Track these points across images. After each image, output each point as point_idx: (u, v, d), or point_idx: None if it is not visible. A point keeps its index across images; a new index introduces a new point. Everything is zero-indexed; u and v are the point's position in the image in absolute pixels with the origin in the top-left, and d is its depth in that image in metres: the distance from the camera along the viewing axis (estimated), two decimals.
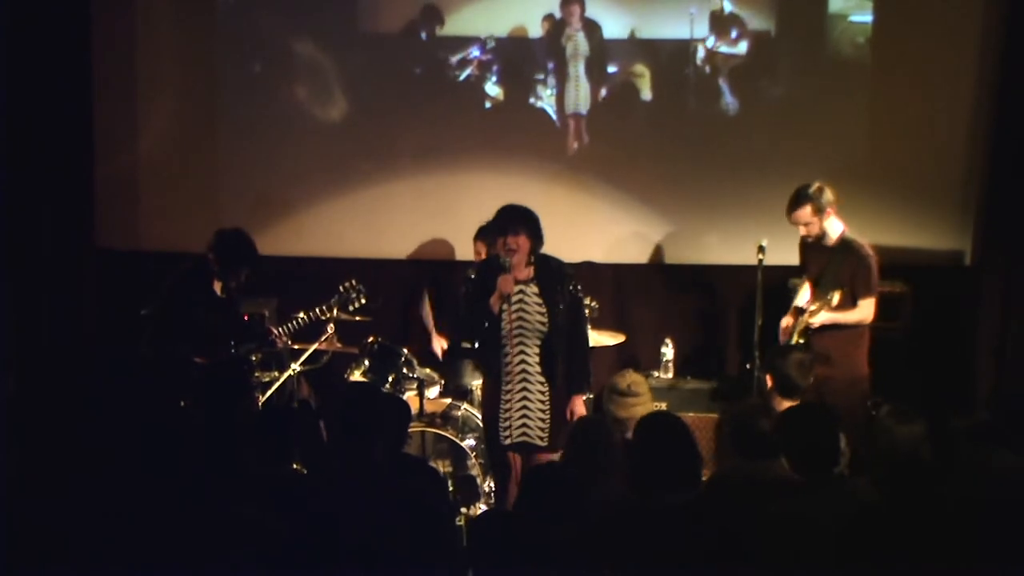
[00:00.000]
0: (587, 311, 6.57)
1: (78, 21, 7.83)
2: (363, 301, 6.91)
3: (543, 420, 6.04)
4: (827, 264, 6.55)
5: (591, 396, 6.57)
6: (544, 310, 6.02)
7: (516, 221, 6.01)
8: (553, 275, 6.08)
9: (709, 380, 7.61)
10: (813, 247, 6.65)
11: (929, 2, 7.73)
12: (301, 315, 6.77)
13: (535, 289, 6.04)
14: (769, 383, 5.95)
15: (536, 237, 6.03)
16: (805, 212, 6.48)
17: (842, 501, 4.31)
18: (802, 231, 6.56)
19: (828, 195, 6.48)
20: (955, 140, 7.73)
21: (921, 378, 6.96)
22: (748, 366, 6.85)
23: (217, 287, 6.68)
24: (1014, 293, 7.52)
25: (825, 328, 6.47)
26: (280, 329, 6.75)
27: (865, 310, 6.48)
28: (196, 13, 8.09)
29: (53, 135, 7.77)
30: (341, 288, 6.91)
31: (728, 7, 7.82)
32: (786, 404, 5.56)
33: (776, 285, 7.27)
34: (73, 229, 7.94)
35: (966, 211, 7.76)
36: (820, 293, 6.51)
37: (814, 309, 6.44)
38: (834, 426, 4.66)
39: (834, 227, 6.54)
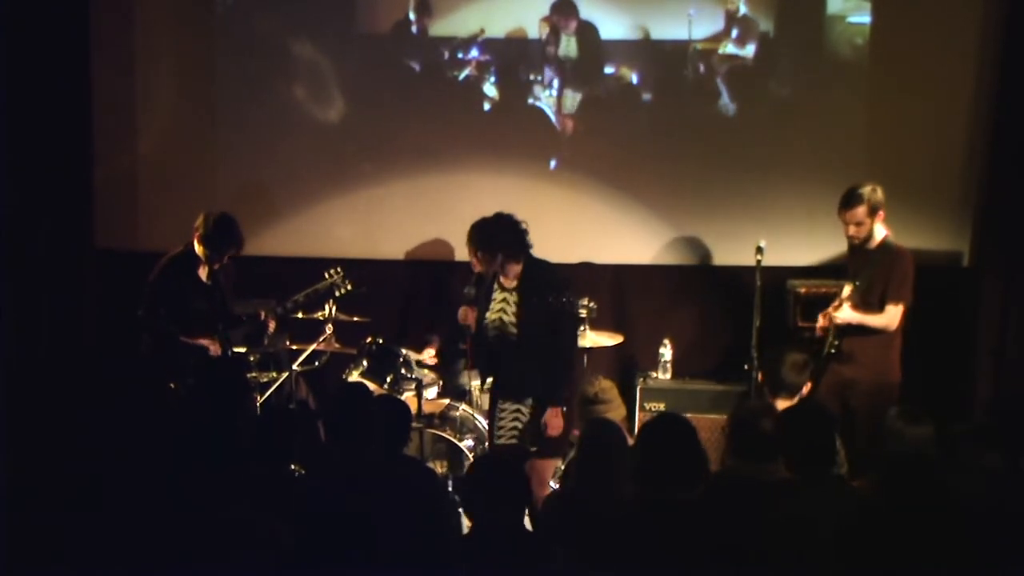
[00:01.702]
0: (578, 316, 6.51)
1: (77, 22, 7.83)
2: (349, 288, 6.93)
3: (533, 425, 6.12)
4: (865, 267, 6.48)
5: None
6: (515, 320, 6.07)
7: (470, 239, 6.15)
8: (536, 284, 6.10)
9: (707, 381, 7.62)
10: (857, 250, 6.58)
11: (927, 3, 7.72)
12: (289, 303, 6.82)
13: (516, 298, 6.09)
14: (761, 380, 5.95)
15: (488, 251, 6.09)
16: (860, 211, 6.41)
17: (841, 502, 4.32)
18: (851, 231, 6.48)
19: (880, 196, 6.44)
20: (953, 141, 7.72)
21: (919, 379, 6.95)
22: (746, 367, 6.86)
23: (202, 273, 6.74)
24: (1013, 294, 7.51)
25: (854, 330, 6.42)
26: (269, 313, 6.78)
27: (891, 315, 6.40)
28: (194, 14, 8.09)
29: (52, 136, 7.76)
30: (326, 275, 6.94)
31: (743, 9, 7.83)
32: (778, 403, 5.57)
33: (774, 286, 7.27)
34: (72, 229, 7.94)
35: (964, 212, 7.76)
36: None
37: (836, 303, 6.41)
38: (829, 425, 4.66)
39: (879, 230, 6.50)
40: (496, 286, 6.19)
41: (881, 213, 6.46)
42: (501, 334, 6.15)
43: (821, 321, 6.62)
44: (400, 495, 4.61)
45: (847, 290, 6.46)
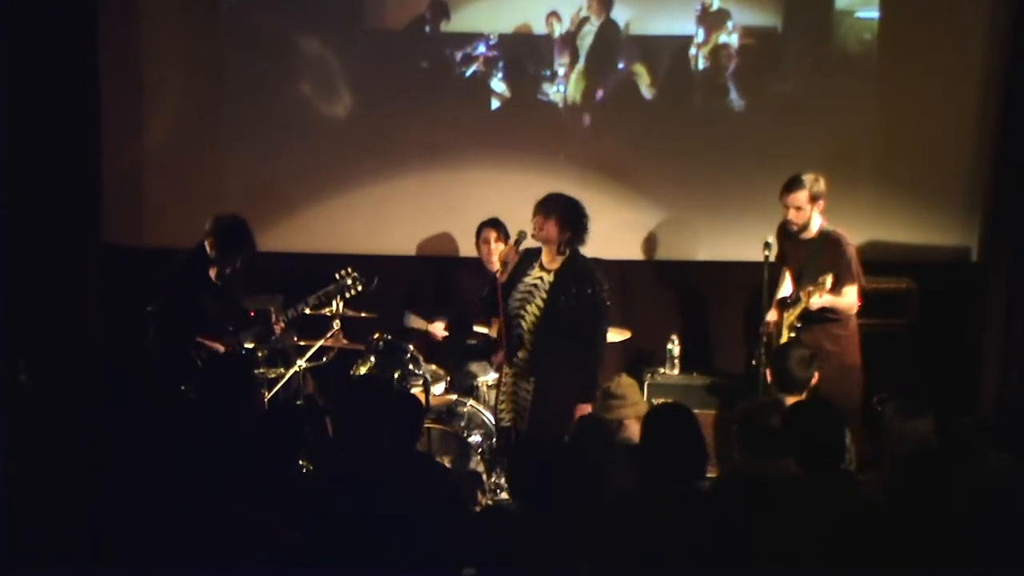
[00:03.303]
0: (608, 312, 6.44)
1: (83, 19, 7.82)
2: (359, 288, 6.93)
3: (525, 409, 6.19)
4: (808, 256, 6.60)
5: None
6: (546, 295, 6.10)
7: (549, 205, 6.15)
8: (575, 273, 6.14)
9: (715, 376, 7.61)
10: (792, 239, 6.70)
11: None
12: (300, 306, 6.80)
13: (551, 279, 6.12)
14: (769, 379, 5.94)
15: (567, 227, 6.14)
16: (800, 196, 6.56)
17: (849, 499, 4.30)
18: (791, 215, 6.61)
19: (822, 186, 6.57)
20: (962, 136, 7.71)
21: (926, 375, 6.95)
22: (754, 362, 6.86)
23: (212, 274, 6.72)
24: (1021, 290, 7.50)
25: (813, 323, 6.49)
26: (280, 315, 6.77)
27: (850, 297, 6.52)
28: (200, 10, 8.10)
29: (59, 132, 7.76)
30: (337, 275, 6.93)
31: (716, 3, 7.82)
32: (788, 400, 5.56)
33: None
34: (79, 225, 7.94)
35: (973, 207, 7.75)
36: (805, 284, 6.51)
37: (811, 289, 6.42)
38: (839, 422, 4.65)
39: (816, 220, 6.61)
40: (537, 264, 6.21)
41: (821, 203, 6.58)
42: (524, 308, 6.18)
43: (773, 315, 6.68)
44: (412, 492, 4.59)
45: (788, 282, 6.60)
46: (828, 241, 6.58)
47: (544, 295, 6.16)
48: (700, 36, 7.85)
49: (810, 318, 6.50)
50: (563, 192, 6.30)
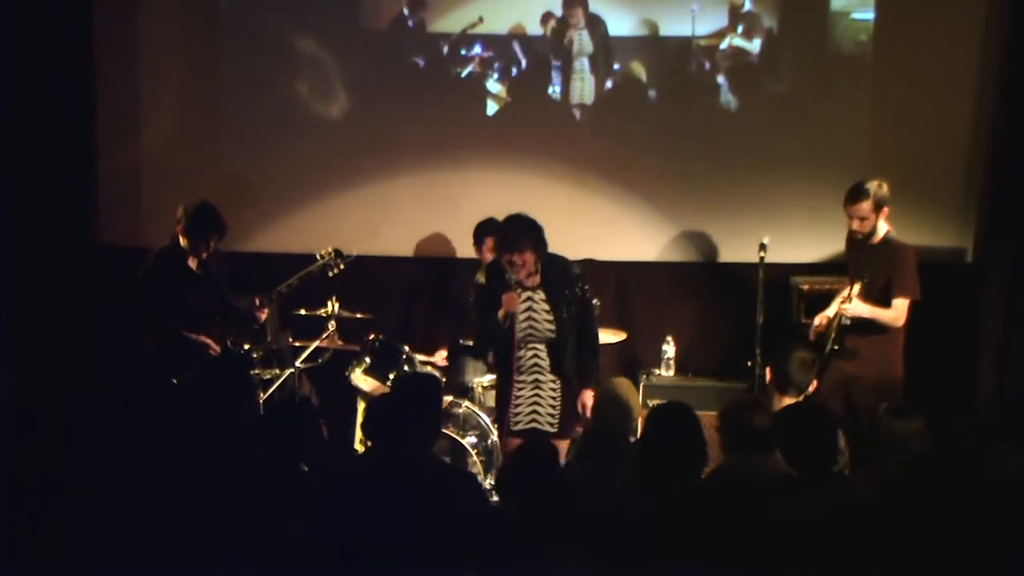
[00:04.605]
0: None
1: (81, 19, 7.82)
2: (342, 267, 6.98)
3: (553, 408, 6.20)
4: (868, 263, 6.49)
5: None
6: (552, 316, 6.12)
7: (520, 237, 6.06)
8: (559, 279, 6.18)
9: (710, 378, 7.61)
10: (858, 246, 6.61)
11: None
12: (283, 287, 6.85)
13: (542, 295, 6.15)
14: (768, 377, 5.94)
15: (541, 247, 6.11)
16: (864, 206, 6.44)
17: (840, 500, 4.31)
18: (855, 225, 6.50)
19: (886, 192, 6.48)
20: (957, 137, 7.71)
21: (922, 377, 6.96)
22: (749, 364, 6.86)
23: (192, 264, 6.80)
24: (1016, 291, 7.50)
25: (857, 326, 6.44)
26: (263, 301, 6.81)
27: (899, 310, 6.42)
28: (198, 10, 8.10)
29: (56, 132, 7.76)
30: (318, 255, 6.96)
31: (747, 5, 7.83)
32: (784, 400, 5.56)
33: (777, 282, 7.28)
34: (76, 225, 7.93)
35: (968, 208, 7.75)
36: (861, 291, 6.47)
37: (846, 295, 6.41)
38: (832, 425, 4.66)
39: (881, 226, 6.53)
40: (515, 286, 6.15)
41: (886, 209, 6.49)
42: (532, 333, 6.17)
43: (817, 321, 6.63)
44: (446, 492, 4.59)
45: (856, 287, 6.46)
46: (890, 249, 6.48)
47: (547, 314, 6.17)
48: (736, 34, 7.85)
49: (855, 326, 6.43)
50: (522, 215, 6.18)
